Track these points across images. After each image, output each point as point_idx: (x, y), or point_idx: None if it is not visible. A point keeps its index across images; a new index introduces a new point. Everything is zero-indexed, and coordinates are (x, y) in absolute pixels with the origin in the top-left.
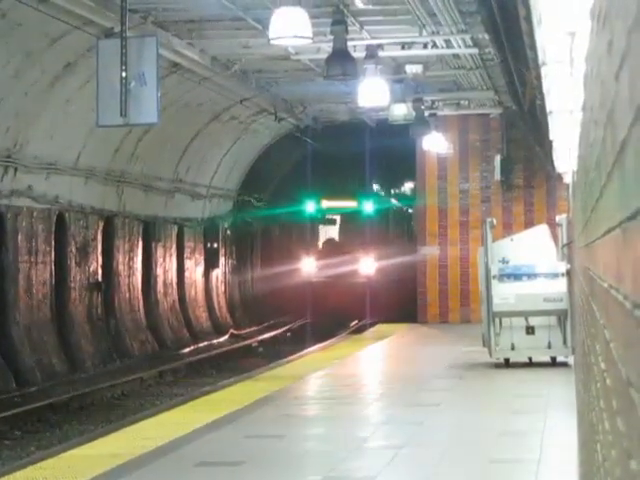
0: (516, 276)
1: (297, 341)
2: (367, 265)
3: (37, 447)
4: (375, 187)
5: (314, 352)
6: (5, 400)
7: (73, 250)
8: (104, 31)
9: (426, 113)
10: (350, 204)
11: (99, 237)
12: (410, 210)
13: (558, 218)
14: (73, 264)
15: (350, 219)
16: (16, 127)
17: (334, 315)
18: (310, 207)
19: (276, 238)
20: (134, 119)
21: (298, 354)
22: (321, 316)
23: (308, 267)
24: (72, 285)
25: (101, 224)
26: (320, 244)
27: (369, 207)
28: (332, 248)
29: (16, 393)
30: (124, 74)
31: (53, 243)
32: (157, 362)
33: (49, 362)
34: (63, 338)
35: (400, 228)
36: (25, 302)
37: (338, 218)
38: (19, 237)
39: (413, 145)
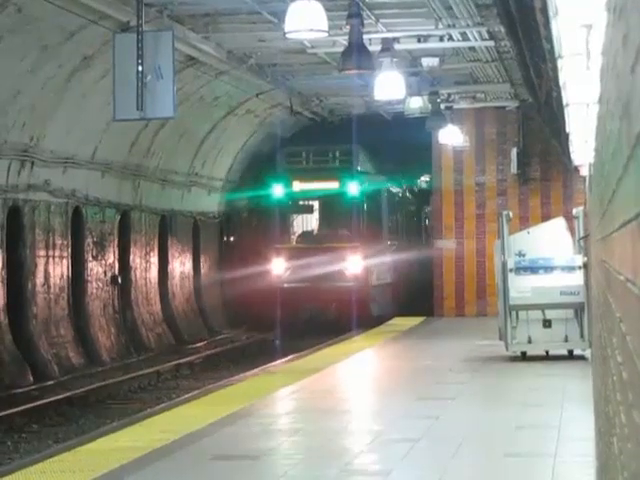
0: (533, 269)
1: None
2: (354, 265)
3: (54, 440)
4: (364, 163)
5: (328, 346)
6: (23, 394)
7: (90, 244)
8: (120, 25)
9: (442, 106)
10: (330, 185)
11: (116, 231)
12: (412, 193)
13: (575, 211)
14: (90, 258)
15: (331, 205)
16: (33, 122)
17: (311, 328)
18: (278, 191)
19: (232, 232)
20: (150, 113)
21: (313, 348)
22: (293, 330)
23: (277, 269)
24: (89, 279)
25: (118, 218)
26: (293, 238)
27: (355, 189)
28: (308, 244)
29: (34, 387)
30: (140, 68)
31: (70, 237)
32: (174, 355)
33: (66, 356)
34: (80, 332)
35: (400, 216)
36: (42, 296)
37: (316, 204)
38: (36, 231)
39: (428, 136)
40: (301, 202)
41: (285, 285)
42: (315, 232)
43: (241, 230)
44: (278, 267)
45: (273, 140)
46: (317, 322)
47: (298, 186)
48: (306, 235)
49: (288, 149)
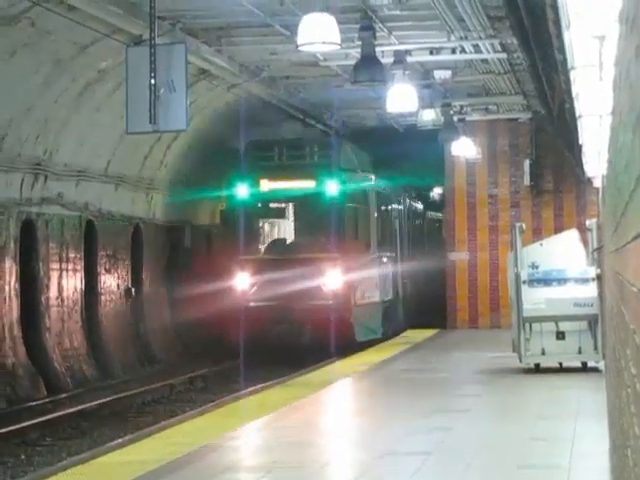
0: (546, 281)
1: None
2: (333, 280)
3: (68, 454)
4: (349, 159)
5: (342, 359)
6: (36, 407)
7: (103, 257)
8: (133, 38)
9: (455, 118)
10: (305, 184)
11: (129, 244)
12: (416, 197)
13: (588, 222)
14: (103, 271)
15: (307, 208)
16: (46, 135)
17: (280, 355)
18: (242, 191)
19: (182, 242)
20: (163, 126)
21: (327, 361)
22: (261, 357)
23: (241, 285)
24: (102, 292)
25: (131, 231)
26: (261, 248)
27: (335, 189)
28: (278, 255)
29: (47, 400)
30: (153, 81)
31: (83, 250)
32: (187, 368)
33: (80, 369)
34: (93, 345)
35: (397, 223)
36: (56, 309)
37: (289, 208)
38: (49, 244)
39: (441, 149)
40: (270, 205)
41: (251, 304)
42: (287, 241)
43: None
44: (242, 282)
45: None
46: (288, 348)
47: (267, 185)
48: (276, 244)
49: (255, 142)
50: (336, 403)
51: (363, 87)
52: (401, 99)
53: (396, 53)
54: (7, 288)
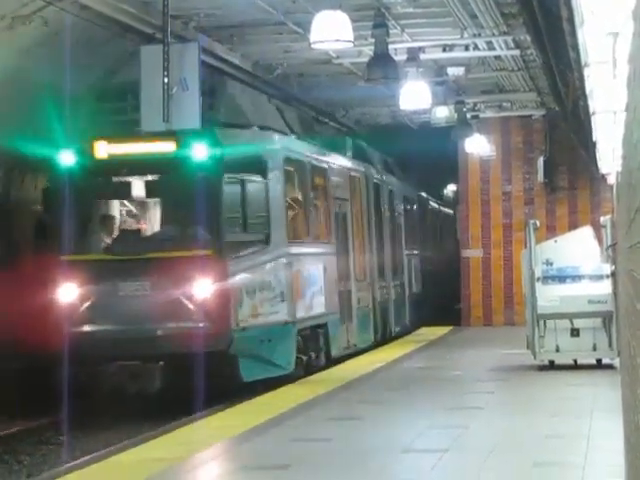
0: (560, 278)
1: None
2: (204, 290)
3: (82, 452)
4: (243, 110)
5: (358, 356)
6: (52, 404)
7: None
8: (146, 38)
9: (468, 115)
10: (165, 148)
11: None
12: (358, 169)
13: (602, 219)
14: None
15: (167, 184)
16: None
17: (122, 405)
18: (68, 159)
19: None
20: (176, 124)
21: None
22: (92, 409)
23: (65, 299)
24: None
25: None
26: (97, 244)
27: (205, 153)
28: (124, 253)
29: None
30: (166, 80)
31: None
32: None
33: None
34: None
35: (346, 205)
36: None
37: (137, 183)
38: None
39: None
40: (112, 179)
41: (79, 328)
42: (136, 232)
43: None
44: (67, 295)
45: None
46: (133, 395)
47: (105, 150)
48: (120, 238)
49: (97, 87)
50: (351, 399)
51: (376, 84)
52: (414, 96)
53: (409, 50)
54: None
